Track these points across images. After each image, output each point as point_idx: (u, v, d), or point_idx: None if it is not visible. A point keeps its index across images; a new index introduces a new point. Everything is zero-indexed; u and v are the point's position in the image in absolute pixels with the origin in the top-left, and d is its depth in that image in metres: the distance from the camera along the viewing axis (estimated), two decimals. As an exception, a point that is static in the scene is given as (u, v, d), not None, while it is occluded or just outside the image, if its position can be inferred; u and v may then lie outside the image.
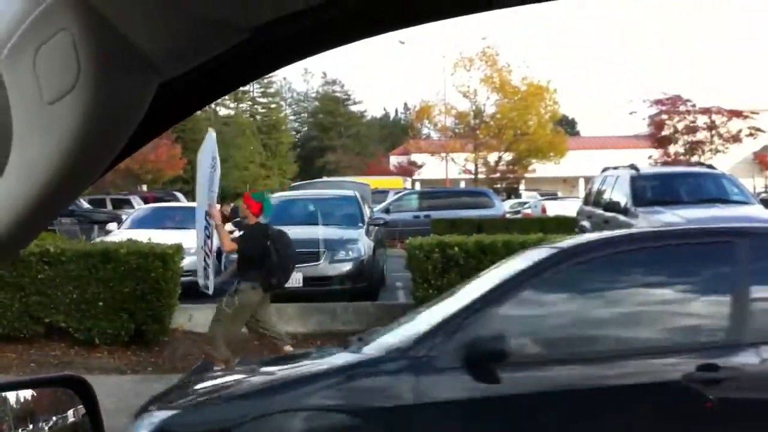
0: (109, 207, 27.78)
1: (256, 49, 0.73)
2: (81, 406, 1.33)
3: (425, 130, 46.17)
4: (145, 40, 0.63)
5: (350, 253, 11.63)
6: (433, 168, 42.40)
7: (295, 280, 10.55)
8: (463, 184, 39.43)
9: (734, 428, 3.78)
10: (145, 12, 0.62)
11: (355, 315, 10.48)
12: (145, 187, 38.35)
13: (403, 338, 4.02)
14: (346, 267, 11.46)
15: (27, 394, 1.35)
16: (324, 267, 11.31)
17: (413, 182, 44.68)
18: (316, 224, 11.92)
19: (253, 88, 66.36)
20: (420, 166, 45.54)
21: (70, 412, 1.34)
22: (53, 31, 0.61)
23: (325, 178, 29.05)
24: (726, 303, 3.99)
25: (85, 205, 26.25)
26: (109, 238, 12.15)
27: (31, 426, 1.33)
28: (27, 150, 0.63)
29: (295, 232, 11.16)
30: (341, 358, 4.09)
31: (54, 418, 1.36)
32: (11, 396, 1.30)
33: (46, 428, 1.35)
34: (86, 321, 8.85)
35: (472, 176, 40.07)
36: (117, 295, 8.87)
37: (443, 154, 39.95)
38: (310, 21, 0.71)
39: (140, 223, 14.09)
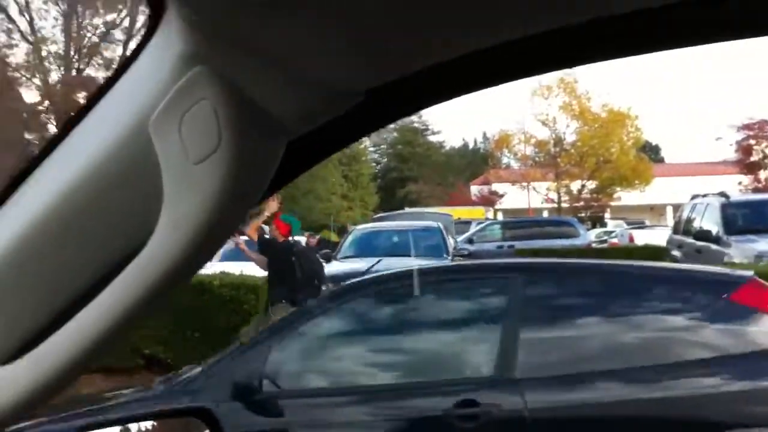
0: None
1: (368, 110, 0.77)
2: None
3: (505, 159, 46.02)
4: (275, 105, 0.70)
5: (435, 284, 11.65)
6: (515, 197, 42.17)
7: (381, 311, 10.66)
8: (546, 214, 39.06)
9: None
10: (274, 81, 0.68)
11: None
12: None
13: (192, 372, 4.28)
14: (432, 298, 11.48)
15: (149, 425, 1.42)
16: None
17: (495, 212, 44.50)
18: (400, 256, 12.01)
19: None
20: (501, 196, 45.36)
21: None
22: (195, 100, 0.67)
23: (407, 209, 29.22)
24: (495, 338, 4.05)
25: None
26: (203, 270, 12.47)
27: None
28: (176, 206, 0.69)
29: (380, 263, 11.31)
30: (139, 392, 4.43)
31: None
32: (134, 427, 1.37)
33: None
34: (184, 352, 9.12)
35: (555, 205, 39.66)
36: (212, 326, 9.12)
37: (524, 183, 39.69)
38: (422, 81, 0.76)
39: (231, 256, 14.37)
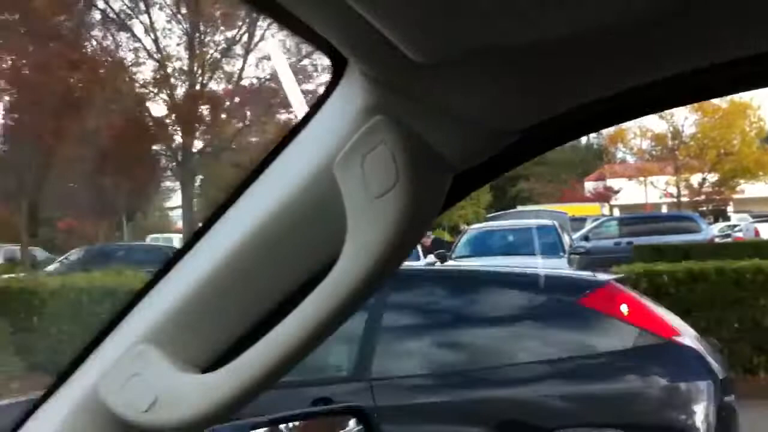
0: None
1: (522, 145, 0.86)
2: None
3: (620, 154, 44.88)
4: (443, 147, 0.78)
5: (553, 283, 11.60)
6: (631, 193, 41.07)
7: (499, 311, 10.75)
8: (664, 209, 37.90)
9: None
10: (444, 126, 0.77)
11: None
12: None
13: None
14: (549, 297, 11.44)
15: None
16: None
17: (611, 208, 43.47)
18: (514, 255, 12.02)
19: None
20: (617, 192, 44.25)
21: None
22: (375, 144, 0.76)
23: (519, 208, 28.97)
24: (357, 340, 4.28)
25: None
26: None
27: None
28: (359, 235, 0.78)
29: (496, 263, 11.39)
30: None
31: None
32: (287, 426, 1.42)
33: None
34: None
35: (674, 199, 38.43)
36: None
37: (641, 178, 38.62)
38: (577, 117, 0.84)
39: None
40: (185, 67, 18.36)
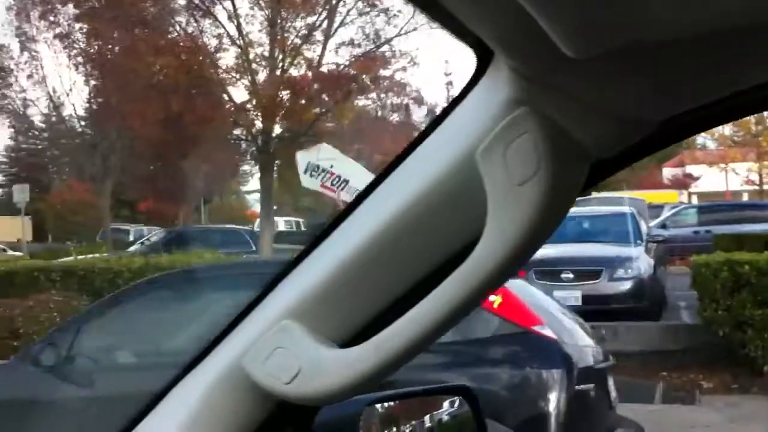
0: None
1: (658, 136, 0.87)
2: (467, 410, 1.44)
3: (700, 140, 43.74)
4: (583, 137, 0.81)
5: (629, 271, 11.54)
6: (711, 180, 40.02)
7: (574, 298, 10.74)
8: (745, 197, 36.83)
9: None
10: (584, 117, 0.80)
11: (637, 335, 10.40)
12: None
13: None
14: (626, 285, 11.38)
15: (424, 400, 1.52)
16: (603, 285, 11.32)
17: (689, 195, 42.46)
18: (591, 242, 11.94)
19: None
20: (696, 179, 43.17)
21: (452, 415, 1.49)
22: (519, 134, 0.80)
23: (595, 194, 28.58)
24: None
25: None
26: None
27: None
28: (500, 220, 0.81)
29: (572, 250, 11.34)
30: None
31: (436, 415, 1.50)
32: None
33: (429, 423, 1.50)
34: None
35: (756, 187, 37.30)
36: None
37: (722, 165, 37.62)
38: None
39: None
40: (266, 53, 18.66)
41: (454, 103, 0.90)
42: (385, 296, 0.92)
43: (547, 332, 4.61)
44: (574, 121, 0.80)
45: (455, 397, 1.47)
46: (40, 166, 39.35)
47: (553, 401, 4.39)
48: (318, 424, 1.07)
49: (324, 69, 18.81)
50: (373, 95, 19.57)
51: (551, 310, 5.16)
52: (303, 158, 9.36)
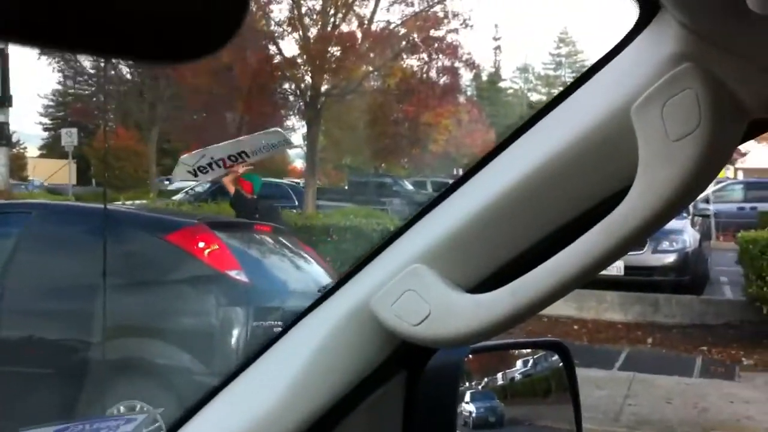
0: (430, 189, 29.28)
1: None
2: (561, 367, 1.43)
3: (750, 116, 42.80)
4: (746, 94, 0.81)
5: (674, 244, 11.50)
6: (760, 155, 39.29)
7: (616, 268, 10.73)
8: (794, 175, 36.11)
9: None
10: (749, 74, 0.80)
11: (678, 308, 10.40)
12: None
13: None
14: (670, 258, 11.35)
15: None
16: (647, 257, 11.29)
17: (735, 171, 41.78)
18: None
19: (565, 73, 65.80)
20: (744, 154, 42.41)
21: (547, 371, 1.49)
22: (680, 90, 0.79)
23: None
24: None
25: (408, 186, 27.96)
26: None
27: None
28: (653, 175, 0.81)
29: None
30: None
31: (524, 369, 1.48)
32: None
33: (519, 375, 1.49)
34: None
35: (806, 166, 36.55)
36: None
37: (771, 142, 36.85)
38: None
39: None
40: (318, 8, 18.59)
41: (611, 54, 0.89)
42: (518, 245, 0.92)
43: (241, 277, 5.22)
44: (742, 80, 0.80)
45: (547, 351, 1.47)
46: (86, 112, 39.85)
47: (237, 335, 5.06)
48: (426, 369, 1.08)
49: (375, 27, 18.74)
50: (423, 56, 19.42)
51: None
52: (181, 171, 9.97)
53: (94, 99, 40.71)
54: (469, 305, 0.90)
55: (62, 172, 31.58)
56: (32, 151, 46.18)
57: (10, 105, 10.59)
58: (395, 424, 1.08)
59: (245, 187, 9.55)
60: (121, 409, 4.76)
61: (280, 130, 11.18)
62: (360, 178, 29.15)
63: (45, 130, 49.54)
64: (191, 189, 22.66)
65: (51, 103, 49.62)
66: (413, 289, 0.93)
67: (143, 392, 4.84)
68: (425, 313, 0.92)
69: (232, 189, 9.37)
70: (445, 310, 0.91)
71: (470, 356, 1.27)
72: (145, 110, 29.80)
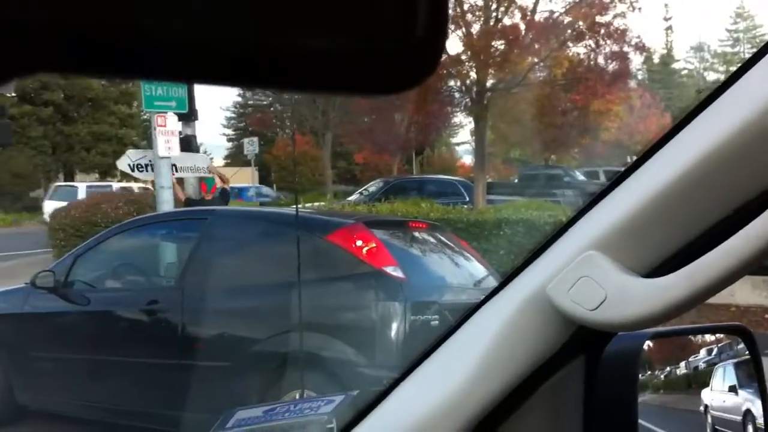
0: (602, 179, 28.51)
1: None
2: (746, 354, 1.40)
3: None
4: None
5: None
6: None
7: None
8: None
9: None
10: None
11: None
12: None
13: None
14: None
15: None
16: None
17: None
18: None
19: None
20: None
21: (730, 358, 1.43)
22: None
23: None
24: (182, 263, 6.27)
25: (580, 177, 27.42)
26: None
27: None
28: None
29: None
30: None
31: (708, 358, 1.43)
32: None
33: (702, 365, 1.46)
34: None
35: None
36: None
37: None
38: None
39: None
40: (480, 3, 18.60)
41: (753, 60, 0.88)
42: (693, 229, 0.92)
43: (397, 273, 5.43)
44: None
45: (732, 338, 1.43)
46: (265, 121, 41.89)
47: (395, 328, 5.25)
48: (604, 354, 1.10)
49: (538, 17, 18.52)
50: (590, 43, 18.97)
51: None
52: (122, 164, 11.83)
53: (272, 109, 42.74)
54: (644, 289, 0.91)
55: (245, 178, 33.41)
56: (217, 160, 49.16)
57: (197, 118, 11.46)
58: (576, 407, 1.11)
59: (203, 188, 11.81)
60: (296, 396, 5.07)
61: (207, 158, 13.05)
62: (530, 171, 28.90)
63: (228, 140, 52.53)
64: (365, 190, 23.36)
65: (233, 115, 52.55)
66: (588, 275, 0.95)
67: (311, 383, 5.11)
68: (601, 298, 0.94)
69: (181, 195, 11.23)
70: (621, 295, 0.92)
71: (649, 343, 1.25)
72: (318, 116, 31.00)
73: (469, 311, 1.13)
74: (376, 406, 1.18)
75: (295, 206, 5.92)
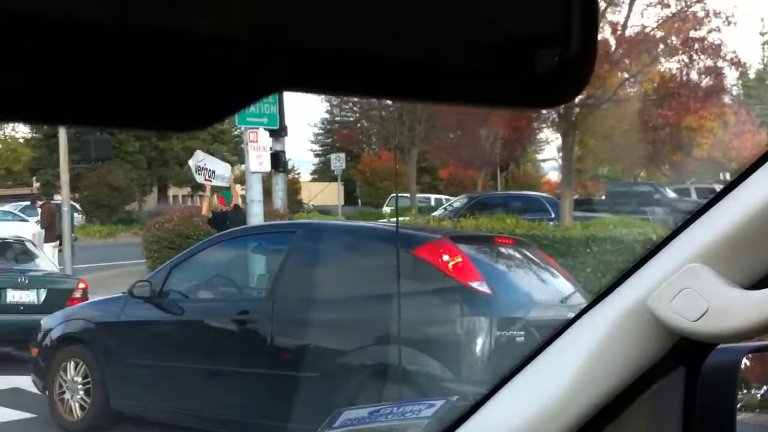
0: (694, 196, 27.81)
1: None
2: None
3: None
4: None
5: None
6: None
7: None
8: None
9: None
10: None
11: None
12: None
13: None
14: None
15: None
16: None
17: None
18: None
19: None
20: None
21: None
22: None
23: None
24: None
25: (670, 194, 26.78)
26: None
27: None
28: None
29: None
30: None
31: None
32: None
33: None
34: None
35: None
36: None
37: None
38: None
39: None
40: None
41: None
42: None
43: (484, 288, 5.46)
44: None
45: None
46: (352, 137, 42.38)
47: (481, 342, 5.30)
48: (703, 368, 1.11)
49: (629, 32, 18.21)
50: (683, 58, 18.54)
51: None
52: (192, 162, 13.44)
53: (358, 125, 43.22)
54: (747, 301, 0.93)
55: (331, 194, 33.85)
56: (305, 176, 49.94)
57: (286, 134, 11.79)
58: (675, 419, 1.12)
59: (221, 201, 12.64)
60: None
61: (229, 167, 13.83)
62: (618, 188, 28.36)
63: (315, 156, 53.33)
64: (449, 205, 23.38)
65: (320, 131, 53.36)
66: (691, 287, 0.97)
67: (396, 396, 5.18)
68: (703, 310, 0.95)
69: (209, 213, 12.29)
70: (724, 306, 0.94)
71: (746, 361, 1.23)
72: (404, 132, 31.17)
73: (567, 322, 1.16)
74: (473, 413, 1.21)
75: (387, 220, 5.98)
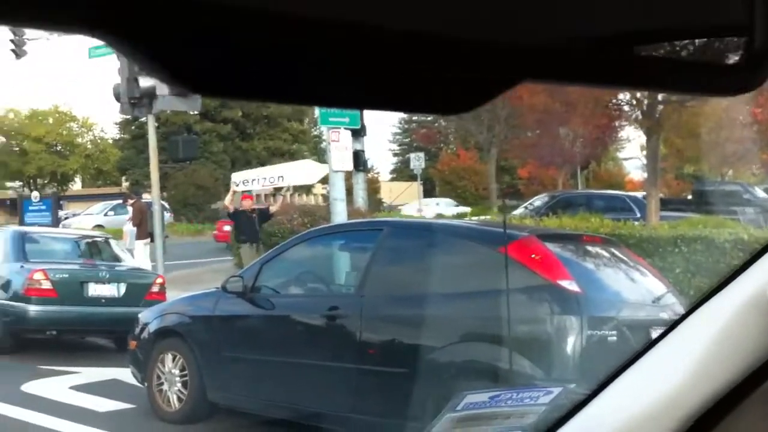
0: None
1: None
2: None
3: None
4: None
5: None
6: None
7: None
8: None
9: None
10: None
11: None
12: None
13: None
14: None
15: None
16: None
17: None
18: None
19: None
20: None
21: None
22: None
23: None
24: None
25: (760, 193, 25.95)
26: None
27: None
28: None
29: None
30: None
31: None
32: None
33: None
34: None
35: None
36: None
37: None
38: None
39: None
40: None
41: None
42: None
43: (573, 287, 5.41)
44: None
45: None
46: (430, 136, 42.45)
47: (572, 341, 5.25)
48: None
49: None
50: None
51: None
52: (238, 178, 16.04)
53: (436, 124, 43.26)
54: None
55: (411, 193, 34.00)
56: (384, 175, 50.23)
57: (366, 134, 11.98)
58: None
59: (251, 198, 14.47)
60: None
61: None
62: (705, 187, 27.60)
63: (394, 155, 53.60)
64: (530, 204, 23.21)
65: (398, 131, 53.58)
66: None
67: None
68: None
69: (231, 207, 14.03)
70: None
71: None
72: (483, 132, 31.08)
73: (679, 318, 1.18)
74: (586, 404, 1.25)
75: (503, 220, 5.99)
